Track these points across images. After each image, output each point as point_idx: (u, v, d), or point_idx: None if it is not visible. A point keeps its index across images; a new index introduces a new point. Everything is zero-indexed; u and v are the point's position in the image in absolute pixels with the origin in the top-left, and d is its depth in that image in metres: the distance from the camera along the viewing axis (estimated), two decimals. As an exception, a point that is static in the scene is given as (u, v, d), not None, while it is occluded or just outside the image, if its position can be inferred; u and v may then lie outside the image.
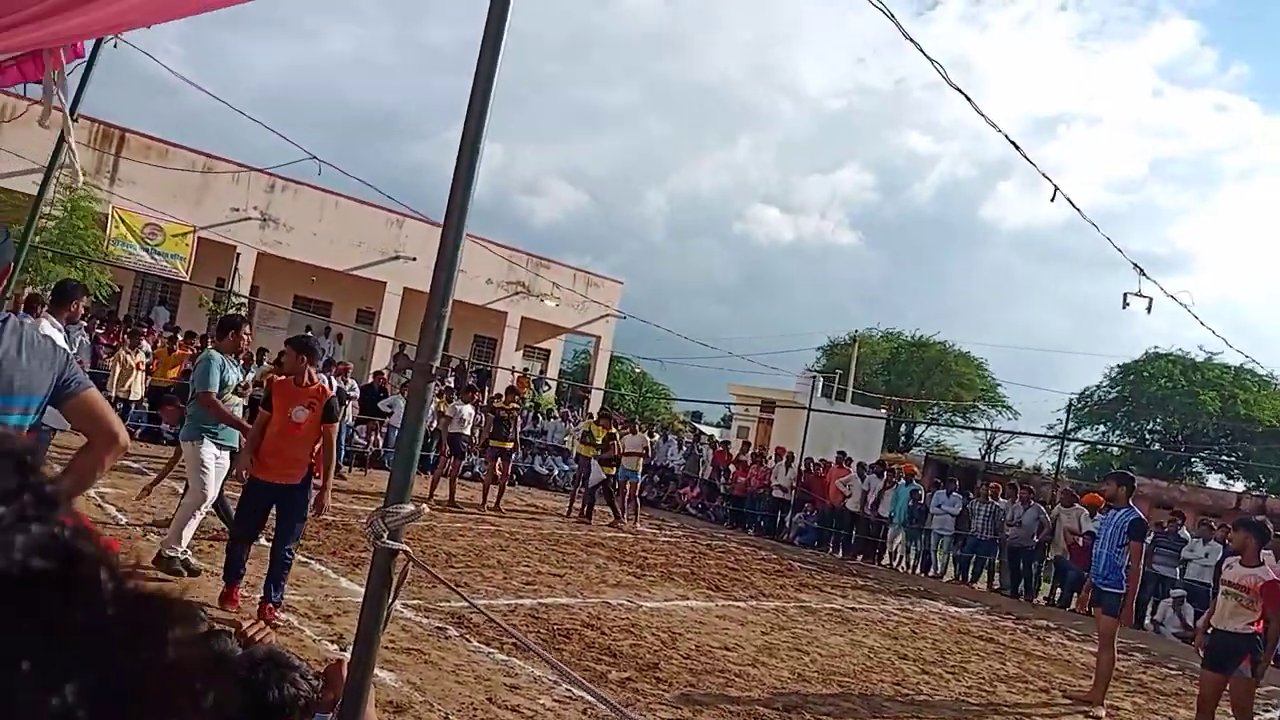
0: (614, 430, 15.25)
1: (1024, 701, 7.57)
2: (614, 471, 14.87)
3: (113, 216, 17.63)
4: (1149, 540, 14.81)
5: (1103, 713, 7.54)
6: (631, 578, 10.12)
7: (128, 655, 0.31)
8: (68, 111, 4.12)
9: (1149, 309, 10.16)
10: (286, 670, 2.08)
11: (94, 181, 17.32)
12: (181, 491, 7.46)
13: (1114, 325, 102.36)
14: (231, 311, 8.65)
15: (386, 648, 5.46)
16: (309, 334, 8.08)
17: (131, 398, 14.23)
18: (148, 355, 14.95)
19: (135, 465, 11.12)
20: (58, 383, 2.46)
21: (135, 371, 14.26)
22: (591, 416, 18.12)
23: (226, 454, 6.79)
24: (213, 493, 6.67)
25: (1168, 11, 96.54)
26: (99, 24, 2.13)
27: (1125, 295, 10.14)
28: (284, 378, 6.35)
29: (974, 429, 40.03)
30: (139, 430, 14.07)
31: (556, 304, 26.25)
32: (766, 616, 9.28)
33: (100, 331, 15.43)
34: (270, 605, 5.81)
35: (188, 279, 19.22)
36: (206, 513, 6.83)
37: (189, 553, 6.68)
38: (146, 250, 18.28)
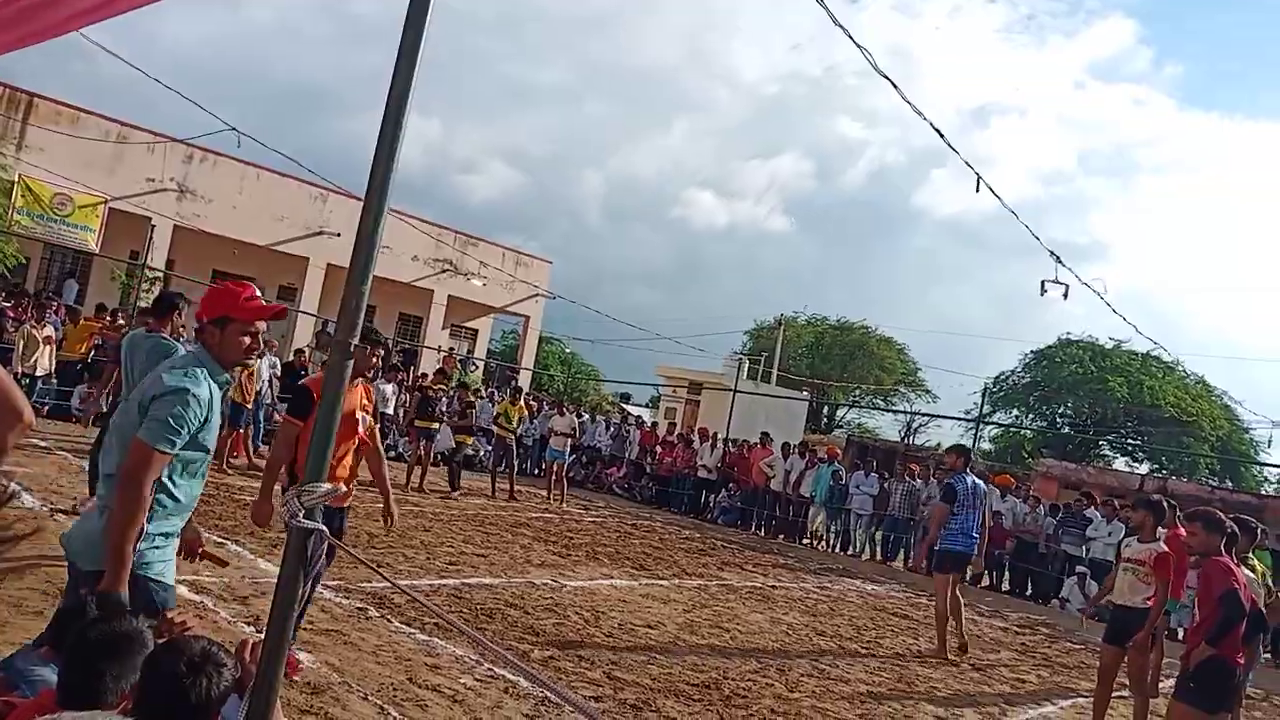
0: (471, 399, 16.15)
1: (935, 675, 7.83)
2: (468, 440, 15.55)
3: (19, 184, 16.92)
4: (1054, 520, 15.36)
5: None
6: (556, 557, 10.16)
7: None
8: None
9: (1065, 295, 10.53)
10: (221, 669, 2.07)
11: (-2, 147, 16.62)
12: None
13: (1034, 311, 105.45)
14: (170, 290, 8.21)
15: (305, 629, 5.41)
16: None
17: (38, 373, 13.72)
18: (56, 329, 14.43)
19: (42, 443, 10.75)
20: (-43, 358, 2.38)
21: (43, 346, 13.74)
22: (504, 398, 18.18)
23: None
24: None
25: (1093, 6, 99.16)
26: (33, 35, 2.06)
27: (1043, 282, 10.49)
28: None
29: (894, 411, 41.02)
30: (46, 407, 13.59)
31: (484, 283, 26.03)
32: (689, 595, 9.41)
33: (7, 305, 14.82)
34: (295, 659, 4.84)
35: (97, 251, 18.57)
36: None
37: None
38: (55, 221, 17.60)
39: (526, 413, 18.55)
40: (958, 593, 8.91)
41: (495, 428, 16.06)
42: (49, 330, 14.05)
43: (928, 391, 41.79)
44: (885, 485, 16.41)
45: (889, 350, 41.94)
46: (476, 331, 29.71)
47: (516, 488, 15.17)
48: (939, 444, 33.67)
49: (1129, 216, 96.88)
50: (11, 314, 14.45)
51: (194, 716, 2.01)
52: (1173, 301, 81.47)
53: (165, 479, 2.93)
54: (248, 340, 3.14)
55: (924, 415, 37.55)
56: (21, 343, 13.47)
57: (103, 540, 2.79)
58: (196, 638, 2.28)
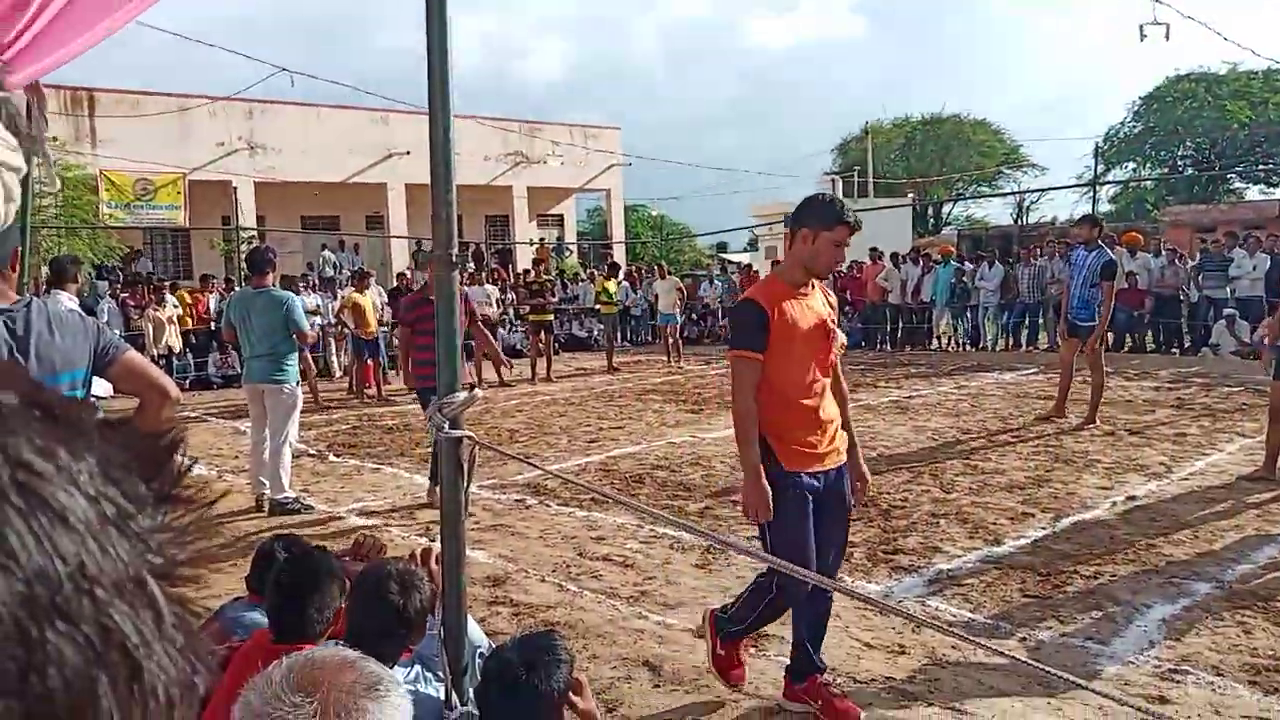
0: (543, 281, 14.68)
1: (1092, 447, 7.72)
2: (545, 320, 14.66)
3: (102, 179, 17.47)
4: (1191, 267, 14.68)
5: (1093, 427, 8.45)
6: (690, 415, 10.33)
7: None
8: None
9: (1167, 36, 9.75)
10: (418, 581, 2.22)
11: (75, 148, 17.12)
12: (247, 432, 7.71)
13: (1136, 55, 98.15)
14: (260, 245, 8.40)
15: (473, 529, 5.70)
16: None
17: (173, 350, 14.56)
18: (175, 307, 15.13)
19: (192, 414, 11.42)
20: (95, 352, 2.50)
21: (168, 326, 14.48)
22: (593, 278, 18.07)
23: None
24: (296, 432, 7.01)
25: None
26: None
27: (1141, 27, 9.73)
28: (800, 292, 3.42)
29: (1001, 195, 39.31)
30: (187, 380, 14.37)
31: (560, 163, 25.82)
32: (828, 423, 9.45)
33: (126, 295, 15.57)
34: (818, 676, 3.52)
35: (188, 224, 19.13)
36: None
37: (297, 493, 6.96)
38: (141, 206, 18.16)
39: (629, 283, 18.71)
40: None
41: (599, 306, 16.21)
42: (169, 310, 14.75)
43: (1034, 165, 39.84)
44: (1009, 272, 15.96)
45: (985, 133, 39.92)
46: (562, 216, 29.67)
47: (631, 358, 15.38)
48: (1054, 218, 32.32)
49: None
50: (133, 302, 15.19)
51: (410, 631, 2.18)
52: (1285, 6, 74.11)
53: None
54: None
55: (1033, 191, 35.93)
56: (150, 327, 14.21)
57: None
58: (391, 559, 2.45)
